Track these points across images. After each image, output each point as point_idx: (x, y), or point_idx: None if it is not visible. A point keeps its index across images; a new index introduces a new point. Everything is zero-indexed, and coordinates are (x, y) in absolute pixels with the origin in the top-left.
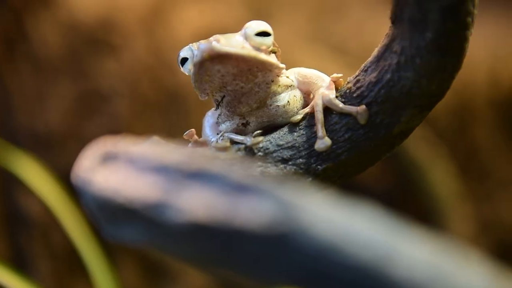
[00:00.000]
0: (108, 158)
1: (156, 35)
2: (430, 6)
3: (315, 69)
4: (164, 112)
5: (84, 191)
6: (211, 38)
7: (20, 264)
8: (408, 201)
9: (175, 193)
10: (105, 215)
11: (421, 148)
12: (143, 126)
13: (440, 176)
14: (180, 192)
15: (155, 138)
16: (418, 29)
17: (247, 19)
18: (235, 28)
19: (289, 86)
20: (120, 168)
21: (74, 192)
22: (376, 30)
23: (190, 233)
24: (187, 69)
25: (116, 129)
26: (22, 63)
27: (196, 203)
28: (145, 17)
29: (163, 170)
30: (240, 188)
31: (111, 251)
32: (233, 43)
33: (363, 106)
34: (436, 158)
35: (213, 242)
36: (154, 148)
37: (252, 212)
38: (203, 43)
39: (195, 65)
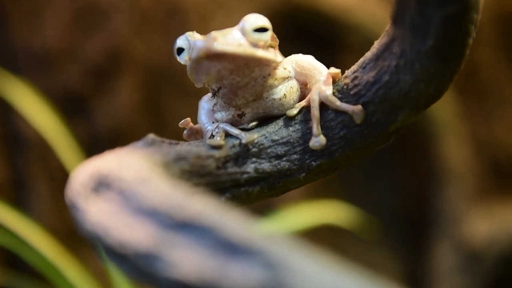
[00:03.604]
0: (100, 185)
1: None
2: (432, 14)
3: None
4: (164, 27)
5: (77, 218)
6: (208, 36)
7: (18, 185)
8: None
9: (165, 245)
10: (99, 245)
11: None
12: (142, 43)
13: None
14: (171, 244)
15: (151, 137)
16: (419, 34)
17: None
18: None
19: (286, 78)
20: (112, 203)
21: (69, 117)
22: None
23: None
24: (183, 59)
25: (114, 47)
26: None
27: (186, 262)
28: None
29: (154, 214)
30: (230, 248)
31: None
32: (230, 40)
33: (360, 107)
34: None
35: None
36: (148, 178)
37: (241, 275)
38: (199, 41)
39: (191, 60)
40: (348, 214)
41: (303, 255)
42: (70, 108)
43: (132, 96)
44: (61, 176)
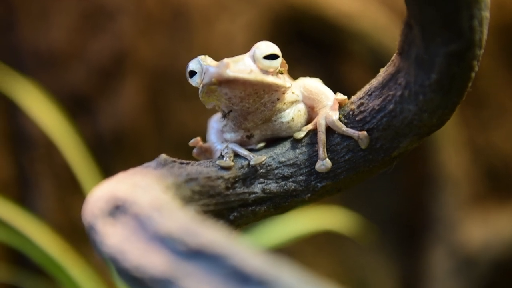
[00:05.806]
0: (117, 210)
1: None
2: (437, 50)
3: (319, 80)
4: (169, 29)
5: (95, 240)
6: (220, 62)
7: (23, 183)
8: None
9: (180, 272)
10: (114, 266)
11: None
12: (147, 44)
13: None
14: (186, 272)
15: (163, 157)
16: (423, 68)
17: None
18: None
19: (294, 101)
20: (128, 228)
21: (74, 116)
22: None
23: None
24: (195, 81)
25: (119, 48)
26: None
27: None
28: None
29: (169, 241)
30: (242, 277)
31: (109, 173)
32: (241, 67)
33: (365, 133)
34: None
35: None
36: (162, 205)
37: None
38: (212, 67)
39: (203, 84)
40: (347, 219)
41: (312, 285)
42: (75, 108)
43: (136, 97)
44: (66, 174)
